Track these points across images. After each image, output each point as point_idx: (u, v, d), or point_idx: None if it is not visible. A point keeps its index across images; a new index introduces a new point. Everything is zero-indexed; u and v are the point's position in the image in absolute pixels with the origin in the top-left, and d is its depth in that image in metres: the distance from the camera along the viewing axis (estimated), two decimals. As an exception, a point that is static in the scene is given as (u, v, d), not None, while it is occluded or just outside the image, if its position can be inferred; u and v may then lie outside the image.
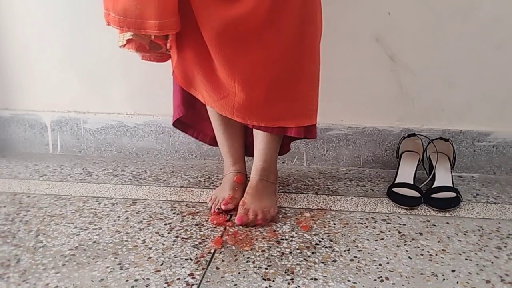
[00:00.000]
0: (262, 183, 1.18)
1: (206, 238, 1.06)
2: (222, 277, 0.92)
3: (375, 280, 0.91)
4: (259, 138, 1.18)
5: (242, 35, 1.03)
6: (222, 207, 1.15)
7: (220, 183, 1.36)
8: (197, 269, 0.94)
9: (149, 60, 1.19)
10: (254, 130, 1.18)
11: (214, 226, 1.11)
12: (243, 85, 1.06)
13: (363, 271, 0.94)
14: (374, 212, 1.18)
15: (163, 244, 1.03)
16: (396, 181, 1.28)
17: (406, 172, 1.31)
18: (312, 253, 1.00)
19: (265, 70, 1.06)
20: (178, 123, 1.31)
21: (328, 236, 1.07)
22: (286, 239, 1.05)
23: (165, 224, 1.12)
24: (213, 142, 1.34)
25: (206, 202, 1.23)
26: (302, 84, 1.11)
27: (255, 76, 1.06)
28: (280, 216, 1.16)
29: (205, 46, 1.05)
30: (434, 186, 1.25)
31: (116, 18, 0.97)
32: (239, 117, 1.10)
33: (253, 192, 1.15)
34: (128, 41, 1.06)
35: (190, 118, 1.31)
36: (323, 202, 1.24)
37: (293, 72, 1.09)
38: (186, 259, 0.98)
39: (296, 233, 1.07)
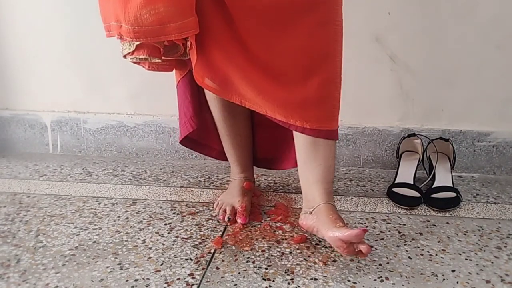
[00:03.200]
0: (336, 210, 1.01)
1: (206, 238, 1.06)
2: (222, 277, 0.92)
3: (375, 280, 0.91)
4: (321, 153, 1.01)
5: (285, 19, 0.94)
6: (240, 222, 1.11)
7: (220, 183, 1.36)
8: (197, 269, 0.94)
9: (156, 70, 1.06)
10: (306, 145, 1.03)
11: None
12: (286, 76, 0.97)
13: (363, 271, 0.94)
14: (374, 212, 1.18)
15: (163, 244, 1.03)
16: (396, 181, 1.28)
17: (406, 172, 1.31)
18: (312, 253, 1.00)
19: (309, 59, 0.97)
20: (187, 141, 1.22)
21: (328, 236, 1.07)
22: (286, 239, 1.05)
23: (165, 224, 1.12)
24: (220, 156, 1.28)
25: (206, 202, 1.24)
26: (338, 77, 1.02)
27: (299, 66, 0.97)
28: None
29: (236, 41, 0.96)
30: (434, 186, 1.25)
31: (130, 29, 0.87)
32: (281, 114, 0.99)
33: (341, 219, 0.97)
34: (138, 46, 0.95)
35: (203, 133, 1.24)
36: (323, 202, 1.24)
37: (332, 64, 1.00)
38: (186, 259, 0.98)
39: (296, 233, 1.07)
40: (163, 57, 0.98)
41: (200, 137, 1.26)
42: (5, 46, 1.58)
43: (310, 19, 0.95)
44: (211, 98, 1.14)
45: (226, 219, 1.11)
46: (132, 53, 0.95)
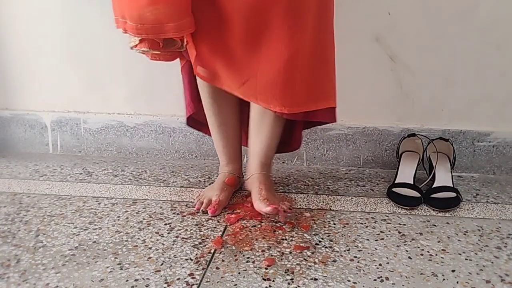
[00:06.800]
0: (269, 180, 1.19)
1: (206, 238, 1.06)
2: (222, 277, 0.92)
3: (375, 280, 0.91)
4: (264, 132, 1.16)
5: (268, 16, 1.01)
6: (209, 213, 1.16)
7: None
8: (197, 269, 0.94)
9: (158, 60, 1.17)
10: (254, 122, 1.17)
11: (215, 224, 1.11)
12: (267, 66, 1.04)
13: (363, 271, 0.94)
14: (374, 212, 1.18)
15: (163, 244, 1.03)
16: (396, 181, 1.28)
17: (406, 172, 1.31)
18: (312, 253, 1.00)
19: (290, 52, 1.03)
20: (192, 121, 1.32)
21: (328, 236, 1.07)
22: (286, 239, 1.05)
23: (165, 224, 1.12)
24: None
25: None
26: (325, 66, 1.10)
27: (279, 57, 1.03)
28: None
29: (223, 35, 1.04)
30: (434, 186, 1.25)
31: (133, 26, 0.96)
32: (262, 100, 1.07)
33: (268, 188, 1.16)
34: (141, 40, 1.05)
35: (203, 115, 1.29)
36: (323, 202, 1.24)
37: (316, 54, 1.07)
38: (186, 259, 0.98)
39: (296, 233, 1.07)
40: (162, 50, 1.07)
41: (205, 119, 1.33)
42: (5, 46, 1.58)
43: (284, 23, 1.01)
44: (201, 86, 1.21)
45: (200, 211, 1.18)
46: (136, 45, 1.05)
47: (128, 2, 0.97)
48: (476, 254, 1.00)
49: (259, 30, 1.02)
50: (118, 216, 1.16)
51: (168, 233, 1.08)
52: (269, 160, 1.21)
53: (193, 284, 0.90)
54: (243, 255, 0.99)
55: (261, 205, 1.11)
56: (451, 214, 1.17)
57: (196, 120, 1.33)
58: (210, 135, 1.35)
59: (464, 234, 1.08)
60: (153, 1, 0.94)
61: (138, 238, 1.06)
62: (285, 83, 1.05)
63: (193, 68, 1.13)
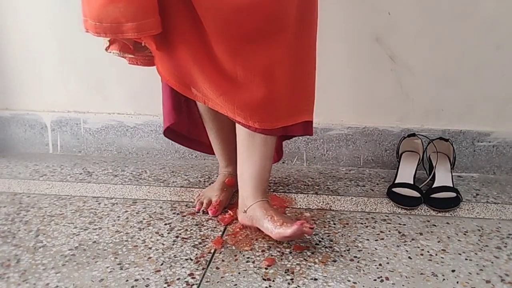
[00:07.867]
0: (272, 205, 1.09)
1: (206, 238, 1.06)
2: (222, 277, 0.92)
3: (375, 280, 0.91)
4: (257, 152, 1.07)
5: (248, 25, 0.97)
6: (210, 214, 1.15)
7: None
8: (197, 269, 0.94)
9: (136, 64, 1.12)
10: (244, 142, 1.09)
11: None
12: (246, 79, 1.00)
13: (363, 271, 0.94)
14: (374, 212, 1.18)
15: (163, 244, 1.03)
16: (396, 181, 1.28)
17: (406, 172, 1.31)
18: (312, 253, 1.00)
19: (270, 63, 1.00)
20: (170, 133, 1.24)
21: (328, 236, 1.07)
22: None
23: (165, 224, 1.12)
24: (209, 150, 1.30)
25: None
26: (305, 78, 1.07)
27: (260, 70, 1.00)
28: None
29: (201, 41, 0.99)
30: (434, 186, 1.25)
31: (93, 24, 0.93)
32: (240, 115, 1.02)
33: (276, 212, 1.05)
34: (111, 41, 1.02)
35: (183, 125, 1.26)
36: (323, 202, 1.24)
37: (297, 66, 1.04)
38: (186, 259, 0.98)
39: (296, 233, 1.07)
40: (136, 53, 1.04)
41: (189, 132, 1.29)
42: (6, 46, 1.58)
43: (269, 27, 0.98)
44: None
45: (200, 212, 1.17)
46: (108, 47, 1.02)
47: (89, 0, 0.93)
48: (476, 254, 1.00)
49: (238, 39, 0.98)
50: (118, 216, 1.16)
51: (168, 233, 1.08)
52: (266, 184, 1.10)
53: (193, 284, 0.90)
54: (243, 255, 0.99)
55: (282, 231, 0.98)
56: (451, 214, 1.17)
57: (174, 131, 1.26)
58: (188, 147, 1.34)
59: (464, 234, 1.08)
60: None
61: (138, 238, 1.06)
62: (266, 98, 1.01)
63: (160, 76, 1.09)
